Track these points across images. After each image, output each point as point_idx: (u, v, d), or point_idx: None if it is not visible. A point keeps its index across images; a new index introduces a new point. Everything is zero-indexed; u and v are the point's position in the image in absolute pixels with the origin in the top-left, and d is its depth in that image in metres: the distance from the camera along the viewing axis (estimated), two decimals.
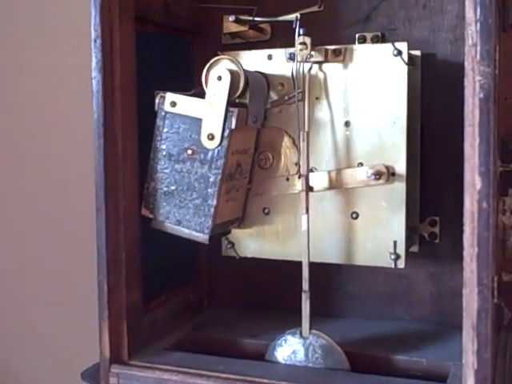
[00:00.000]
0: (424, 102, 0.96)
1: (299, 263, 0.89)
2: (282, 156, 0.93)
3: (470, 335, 0.71)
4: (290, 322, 0.91)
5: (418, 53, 0.95)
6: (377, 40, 0.98)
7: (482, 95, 0.68)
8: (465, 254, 0.72)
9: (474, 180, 0.69)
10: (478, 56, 0.68)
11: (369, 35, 0.99)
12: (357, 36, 0.99)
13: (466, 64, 0.70)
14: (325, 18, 0.97)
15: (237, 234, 0.96)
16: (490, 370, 0.71)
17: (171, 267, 1.03)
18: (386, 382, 0.82)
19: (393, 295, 1.03)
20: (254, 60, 0.93)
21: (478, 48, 0.68)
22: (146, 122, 0.88)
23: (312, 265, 0.90)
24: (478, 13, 0.67)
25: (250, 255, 0.96)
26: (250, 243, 0.96)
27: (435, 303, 1.01)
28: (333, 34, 1.00)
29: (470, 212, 0.70)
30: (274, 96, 0.92)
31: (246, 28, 0.97)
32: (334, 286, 1.06)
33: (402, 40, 0.95)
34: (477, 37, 0.68)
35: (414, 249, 0.98)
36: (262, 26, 1.03)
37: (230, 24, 0.96)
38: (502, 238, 1.08)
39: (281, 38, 0.97)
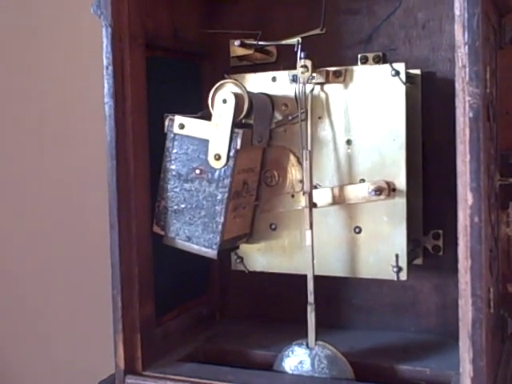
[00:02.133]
0: (425, 119, 0.99)
1: (306, 276, 0.92)
2: (288, 174, 0.97)
3: (466, 344, 0.74)
4: (298, 333, 0.94)
5: (417, 71, 0.98)
6: (378, 60, 1.02)
7: (471, 114, 0.71)
8: (459, 266, 0.75)
9: (466, 195, 0.73)
10: (467, 77, 0.71)
11: (370, 55, 1.02)
12: (359, 56, 1.02)
13: (456, 85, 0.73)
14: (328, 39, 1.01)
15: (245, 248, 1.00)
16: (486, 378, 0.74)
17: (184, 282, 1.07)
18: None
19: (399, 307, 1.06)
20: (259, 82, 0.97)
21: (467, 70, 0.71)
22: (158, 143, 0.93)
23: (320, 278, 0.94)
24: (466, 36, 0.71)
25: (258, 269, 1.00)
26: (259, 258, 1.00)
27: (440, 314, 1.04)
28: (336, 54, 1.04)
29: (463, 226, 0.74)
30: (278, 116, 0.96)
31: (251, 51, 1.01)
32: (342, 299, 1.09)
33: (403, 59, 1.00)
34: (466, 59, 0.71)
35: (418, 261, 1.01)
36: (268, 48, 1.08)
37: (236, 48, 1.00)
38: (506, 249, 1.11)
39: (286, 59, 1.01)
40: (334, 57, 1.03)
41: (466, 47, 0.71)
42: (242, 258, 1.00)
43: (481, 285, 0.73)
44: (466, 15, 0.70)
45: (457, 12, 0.71)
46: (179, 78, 1.06)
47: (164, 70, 1.02)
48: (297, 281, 0.95)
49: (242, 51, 1.01)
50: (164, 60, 1.02)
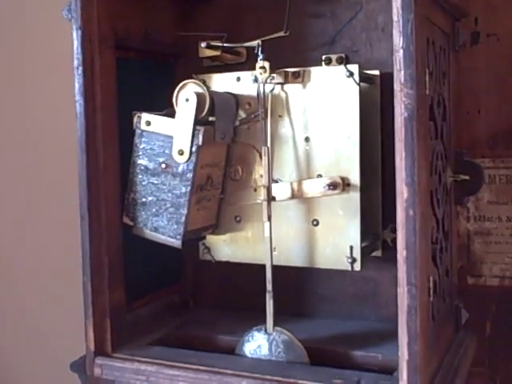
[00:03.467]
0: (384, 118, 1.03)
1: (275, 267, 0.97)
2: (251, 169, 1.02)
3: (403, 330, 0.79)
4: (263, 320, 0.99)
5: (377, 72, 1.03)
6: (341, 61, 1.06)
7: (406, 114, 0.76)
8: (398, 256, 0.80)
9: (402, 190, 0.77)
10: (403, 79, 0.76)
11: (334, 56, 1.07)
12: (323, 57, 1.07)
13: (394, 86, 0.78)
14: (293, 41, 1.06)
15: (212, 239, 1.06)
16: (420, 362, 0.79)
17: (157, 270, 1.13)
18: (338, 374, 0.90)
19: (360, 297, 1.11)
20: (225, 82, 1.03)
21: (402, 72, 0.76)
22: (128, 139, 0.98)
23: (287, 268, 1.00)
24: (401, 41, 0.75)
25: (224, 259, 1.05)
26: (224, 248, 1.05)
27: None
28: (301, 56, 1.09)
29: (400, 219, 0.79)
30: (242, 114, 1.01)
31: (218, 53, 1.06)
32: (307, 288, 1.14)
33: (364, 60, 1.05)
34: (401, 62, 0.76)
35: (378, 253, 1.06)
36: (237, 49, 1.13)
37: (204, 49, 1.05)
38: (466, 243, 1.16)
39: (255, 60, 1.06)
40: (299, 58, 1.08)
41: (401, 51, 0.75)
42: (208, 249, 1.06)
43: (415, 274, 0.78)
44: (401, 21, 0.75)
45: (394, 18, 0.76)
46: (153, 77, 1.11)
47: (137, 70, 1.08)
48: (263, 270, 1.01)
49: (209, 52, 1.06)
50: (137, 61, 1.08)
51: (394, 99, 1.02)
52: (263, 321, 0.99)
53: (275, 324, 0.97)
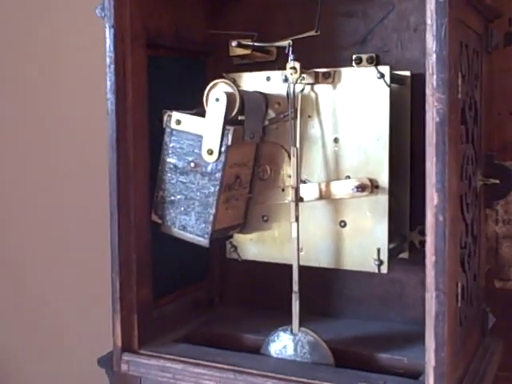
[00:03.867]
0: (414, 120, 1.02)
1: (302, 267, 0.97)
2: (279, 169, 1.02)
3: (430, 335, 0.79)
4: (289, 320, 0.99)
5: (407, 73, 1.02)
6: (372, 61, 1.06)
7: (438, 119, 0.76)
8: (427, 262, 0.79)
9: (432, 195, 0.77)
10: (435, 84, 0.75)
11: (364, 56, 1.06)
12: (353, 57, 1.06)
13: (426, 91, 0.77)
14: (324, 41, 1.06)
15: (239, 238, 1.06)
16: (447, 368, 0.78)
17: (184, 268, 1.13)
18: (364, 377, 0.90)
19: (387, 298, 1.11)
20: (255, 81, 1.03)
21: (435, 77, 0.75)
22: (158, 138, 0.99)
23: (314, 269, 1.00)
24: (435, 45, 0.75)
25: (250, 258, 1.06)
26: (251, 247, 1.06)
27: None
28: (331, 55, 1.08)
29: (430, 224, 0.78)
30: (272, 113, 1.01)
31: (249, 51, 1.06)
32: (334, 289, 1.14)
33: (395, 60, 1.04)
34: (434, 67, 0.75)
35: (404, 255, 1.05)
36: (268, 48, 1.13)
37: (234, 48, 1.06)
38: (494, 246, 1.15)
39: (285, 58, 1.06)
40: (329, 57, 1.07)
41: (434, 55, 0.75)
42: (235, 247, 1.06)
43: (444, 280, 0.77)
44: (435, 25, 0.74)
45: (428, 21, 0.75)
46: (183, 75, 1.12)
47: (168, 68, 1.08)
48: (290, 270, 1.01)
49: (240, 51, 1.07)
50: (167, 59, 1.08)
51: (424, 101, 1.03)
52: (288, 320, 0.99)
53: (301, 324, 0.97)
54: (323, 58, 1.06)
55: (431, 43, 0.75)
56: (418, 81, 1.03)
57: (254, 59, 1.13)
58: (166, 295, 1.09)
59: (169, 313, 1.09)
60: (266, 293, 1.18)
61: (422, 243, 1.06)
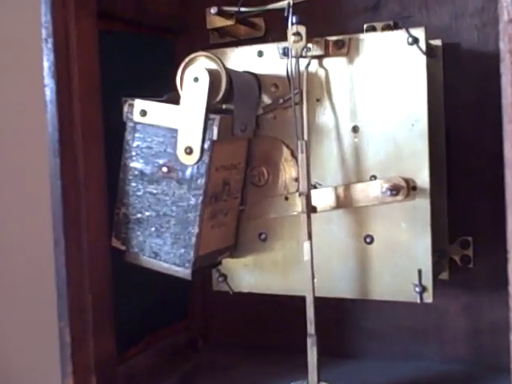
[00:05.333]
0: (448, 101, 0.81)
1: (305, 298, 0.74)
2: (280, 171, 0.78)
3: None
4: (296, 366, 0.77)
5: (438, 42, 0.81)
6: (389, 30, 0.83)
7: None
8: (510, 288, 0.56)
9: None
10: None
11: (379, 25, 0.83)
12: (365, 26, 0.83)
13: (501, 45, 0.54)
14: (327, 6, 0.85)
15: (230, 264, 0.82)
16: None
17: (157, 306, 0.89)
18: None
19: (419, 331, 0.88)
20: (243, 58, 0.79)
21: None
22: (117, 135, 0.74)
23: (324, 297, 0.76)
24: None
25: (245, 290, 0.81)
26: (246, 275, 0.81)
27: (471, 341, 0.85)
28: (337, 25, 0.86)
29: None
30: (267, 99, 0.78)
31: (232, 22, 0.83)
32: (349, 321, 0.91)
33: None
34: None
35: (444, 276, 0.83)
36: (254, 20, 0.90)
37: (213, 18, 0.82)
38: None
39: (276, 32, 0.84)
40: (334, 28, 0.84)
41: None
42: (225, 276, 0.82)
43: None
44: None
45: None
46: (147, 57, 0.88)
47: (128, 47, 0.85)
48: (294, 302, 0.78)
49: (220, 22, 0.83)
50: (127, 35, 0.84)
51: (460, 77, 0.82)
52: (294, 366, 0.77)
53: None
54: (325, 30, 0.82)
55: None
56: (451, 52, 0.82)
57: (237, 35, 0.90)
58: (135, 344, 0.84)
59: (141, 366, 0.84)
60: (263, 331, 0.95)
61: (465, 259, 0.84)
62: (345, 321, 0.91)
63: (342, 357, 0.89)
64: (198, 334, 0.96)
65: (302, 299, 0.74)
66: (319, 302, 0.77)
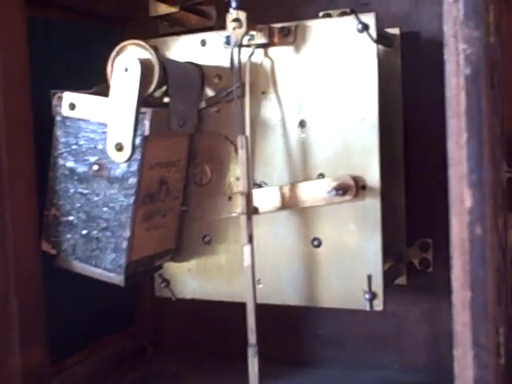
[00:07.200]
0: (407, 94, 0.76)
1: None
2: (224, 169, 0.73)
3: None
4: (245, 371, 0.70)
5: (396, 31, 0.75)
6: None
7: (468, 71, 0.47)
8: (454, 299, 0.50)
9: (462, 194, 0.48)
10: (461, 15, 0.47)
11: (335, 12, 0.77)
12: (320, 14, 0.78)
13: (445, 29, 0.49)
14: None
15: (173, 269, 0.76)
16: None
17: (102, 312, 0.83)
18: None
19: (378, 339, 0.83)
20: (186, 48, 0.74)
21: (461, 4, 0.47)
22: (48, 131, 0.69)
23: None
24: None
25: (188, 296, 0.76)
26: (189, 281, 0.76)
27: (431, 348, 0.80)
28: (290, 13, 0.80)
29: (458, 240, 0.49)
30: (210, 92, 0.72)
31: (176, 9, 0.77)
32: (305, 329, 0.85)
33: (378, 16, 0.75)
34: None
35: (402, 281, 0.78)
36: (204, 9, 0.84)
37: (157, 4, 0.76)
38: None
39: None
40: (287, 16, 0.78)
41: None
42: (168, 282, 0.77)
43: (487, 328, 0.49)
44: None
45: None
46: (88, 47, 0.82)
47: (63, 36, 0.79)
48: (245, 307, 0.72)
49: (164, 9, 0.77)
50: (62, 23, 0.78)
51: (419, 67, 0.76)
52: (244, 374, 0.70)
53: (264, 382, 0.68)
54: (278, 19, 0.76)
55: None
56: (410, 41, 0.77)
57: (186, 25, 0.84)
58: (74, 352, 0.79)
59: (79, 377, 0.78)
60: (213, 337, 0.89)
61: (424, 263, 0.79)
62: (300, 328, 0.85)
63: (297, 366, 0.84)
64: (146, 341, 0.90)
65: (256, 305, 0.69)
66: (273, 308, 0.73)
